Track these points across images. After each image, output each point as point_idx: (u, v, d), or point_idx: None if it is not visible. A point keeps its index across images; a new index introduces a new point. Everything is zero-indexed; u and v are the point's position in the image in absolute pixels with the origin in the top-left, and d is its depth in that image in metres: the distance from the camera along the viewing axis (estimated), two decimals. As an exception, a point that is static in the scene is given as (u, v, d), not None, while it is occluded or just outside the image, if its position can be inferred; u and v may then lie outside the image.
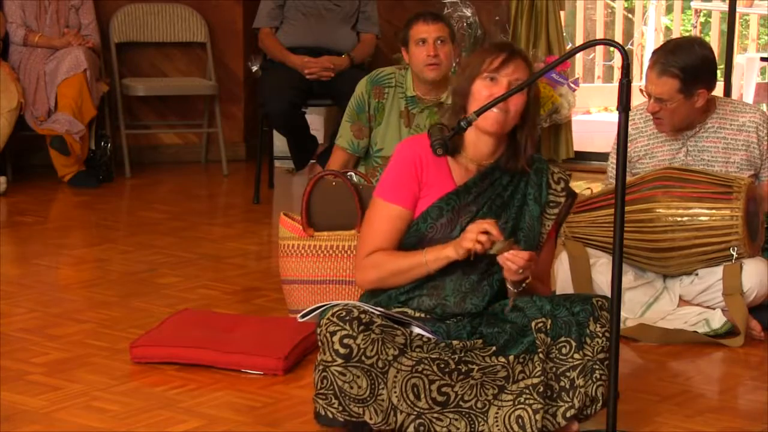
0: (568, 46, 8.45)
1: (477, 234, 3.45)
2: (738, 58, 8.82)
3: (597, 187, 5.13)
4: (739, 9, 8.76)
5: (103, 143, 7.39)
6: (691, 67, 4.53)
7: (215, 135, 7.86)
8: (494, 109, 3.52)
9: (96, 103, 7.21)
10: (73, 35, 7.26)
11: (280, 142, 7.25)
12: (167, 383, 4.04)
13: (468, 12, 7.79)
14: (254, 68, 7.09)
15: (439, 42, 4.99)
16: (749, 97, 8.98)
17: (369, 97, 5.08)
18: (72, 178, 7.21)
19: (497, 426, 3.38)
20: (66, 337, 4.49)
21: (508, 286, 3.56)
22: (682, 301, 4.68)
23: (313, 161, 6.95)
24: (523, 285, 3.53)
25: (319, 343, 3.40)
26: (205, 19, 7.89)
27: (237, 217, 6.68)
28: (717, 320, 4.57)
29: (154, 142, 8.03)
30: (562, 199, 3.70)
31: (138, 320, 4.69)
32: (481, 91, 3.57)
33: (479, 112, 3.51)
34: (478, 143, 3.62)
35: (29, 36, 7.23)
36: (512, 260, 3.45)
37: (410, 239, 3.62)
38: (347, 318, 3.35)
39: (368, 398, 3.35)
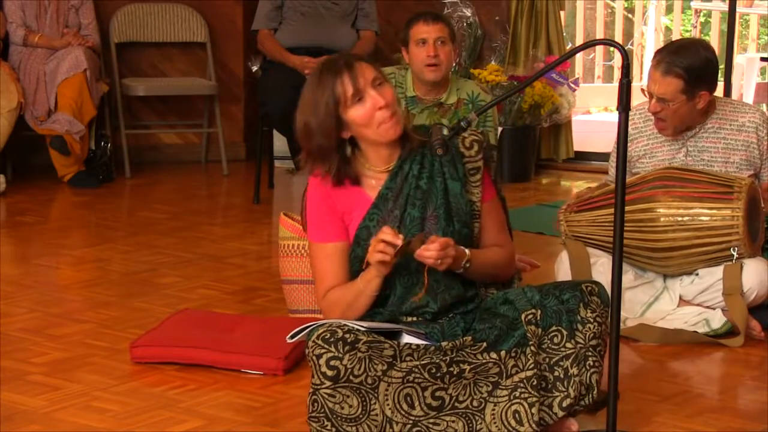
0: (568, 46, 8.45)
1: (374, 245, 3.42)
2: (738, 58, 8.82)
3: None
4: (739, 9, 8.77)
5: (103, 143, 7.39)
6: (696, 68, 4.53)
7: (215, 135, 7.86)
8: (389, 117, 3.48)
9: (96, 103, 7.21)
10: (72, 35, 7.26)
11: (280, 142, 7.25)
12: (167, 383, 4.04)
13: (468, 12, 7.79)
14: (254, 68, 7.09)
15: (439, 42, 4.99)
16: (749, 97, 8.98)
17: None
18: (72, 178, 7.21)
19: (495, 423, 3.37)
20: (66, 337, 4.49)
21: (456, 270, 3.51)
22: (682, 301, 4.68)
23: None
24: (464, 266, 3.50)
25: (309, 365, 3.38)
26: (205, 19, 7.89)
27: (237, 217, 6.68)
28: (717, 320, 4.57)
29: (154, 142, 8.03)
30: (480, 163, 3.62)
31: (138, 320, 4.69)
32: (361, 114, 3.48)
33: (479, 112, 3.51)
34: (382, 152, 3.58)
35: (29, 36, 7.23)
36: (424, 255, 3.41)
37: (354, 266, 3.57)
38: (332, 339, 3.31)
39: (360, 416, 3.33)
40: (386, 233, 3.42)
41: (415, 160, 3.59)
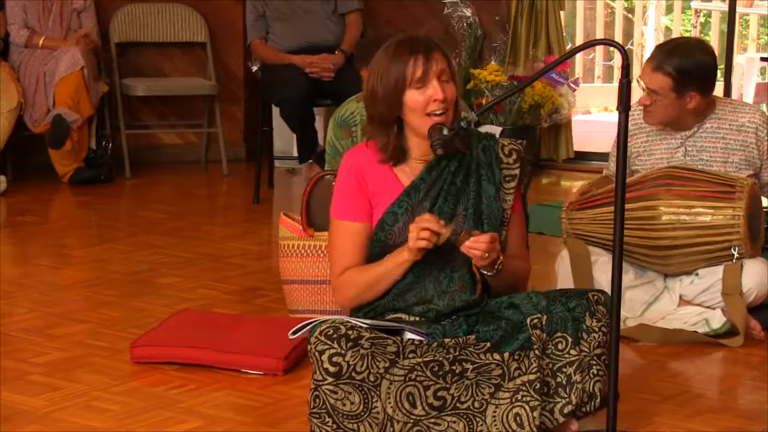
0: (568, 46, 8.45)
1: (418, 232, 3.43)
2: (738, 58, 8.81)
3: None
4: (739, 9, 8.76)
5: (103, 143, 7.39)
6: (686, 69, 4.52)
7: (215, 135, 7.86)
8: (440, 111, 3.50)
9: (94, 102, 7.21)
10: (75, 35, 7.26)
11: (280, 142, 7.26)
12: (167, 383, 4.04)
13: (468, 12, 7.79)
14: (254, 68, 7.11)
15: None
16: (749, 97, 8.97)
17: (339, 141, 5.09)
18: (72, 174, 7.20)
19: (496, 425, 3.37)
20: (66, 337, 4.49)
21: (483, 272, 3.53)
22: (683, 301, 4.68)
23: (311, 161, 6.95)
24: (497, 267, 3.51)
25: (311, 361, 3.38)
26: (205, 19, 7.89)
27: (237, 217, 6.68)
28: (717, 320, 4.57)
29: (154, 142, 8.03)
30: (517, 171, 3.65)
31: (138, 320, 4.69)
32: (416, 99, 3.52)
33: (479, 112, 3.52)
34: (421, 143, 3.58)
35: (33, 38, 7.22)
36: (474, 247, 3.42)
37: (374, 250, 3.59)
38: (335, 336, 3.32)
39: (362, 413, 3.33)
40: (431, 221, 3.43)
41: (454, 158, 3.60)
